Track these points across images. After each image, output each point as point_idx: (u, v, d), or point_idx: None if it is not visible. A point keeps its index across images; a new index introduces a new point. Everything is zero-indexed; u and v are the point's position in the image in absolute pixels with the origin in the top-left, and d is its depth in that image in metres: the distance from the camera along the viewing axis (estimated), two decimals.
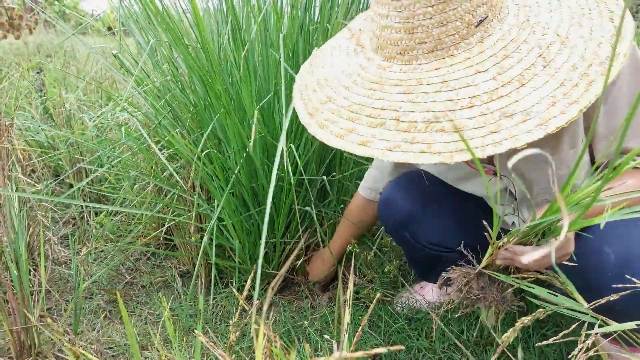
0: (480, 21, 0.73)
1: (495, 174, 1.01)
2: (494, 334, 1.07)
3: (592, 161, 0.94)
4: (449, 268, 0.94)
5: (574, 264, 0.83)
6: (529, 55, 0.71)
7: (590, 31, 0.73)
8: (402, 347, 0.39)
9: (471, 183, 1.10)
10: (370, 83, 0.77)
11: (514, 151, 0.90)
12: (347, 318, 0.53)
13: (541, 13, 0.76)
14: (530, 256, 0.75)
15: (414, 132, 0.69)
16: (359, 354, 0.39)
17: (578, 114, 0.64)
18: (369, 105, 0.75)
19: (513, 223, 1.09)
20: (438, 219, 1.15)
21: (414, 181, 1.17)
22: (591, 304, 0.77)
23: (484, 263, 0.86)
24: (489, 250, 0.84)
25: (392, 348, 0.41)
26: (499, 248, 0.83)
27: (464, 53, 0.73)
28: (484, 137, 0.65)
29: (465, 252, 0.91)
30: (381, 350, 0.38)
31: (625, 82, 0.83)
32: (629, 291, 0.78)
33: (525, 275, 0.87)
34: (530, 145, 0.84)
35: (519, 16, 0.76)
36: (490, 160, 1.01)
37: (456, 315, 1.11)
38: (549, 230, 0.79)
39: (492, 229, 0.83)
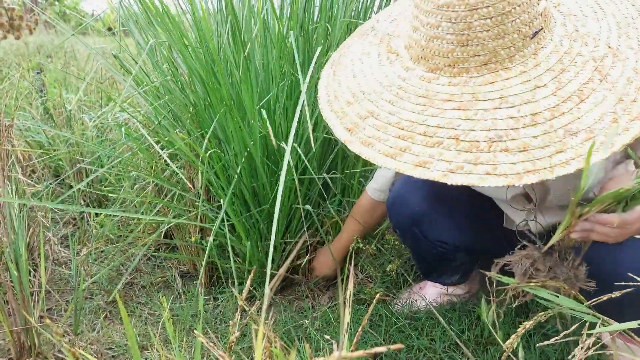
0: (536, 33, 0.71)
1: (534, 205, 0.99)
2: (494, 333, 1.07)
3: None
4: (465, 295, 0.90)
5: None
6: (585, 68, 0.69)
7: (638, 42, 0.71)
8: (402, 346, 0.39)
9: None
10: (417, 97, 0.74)
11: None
12: (347, 318, 0.53)
13: (588, 23, 0.74)
14: (617, 220, 0.72)
15: (477, 152, 0.66)
16: (359, 353, 0.39)
17: None
18: (422, 122, 0.71)
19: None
20: (449, 217, 1.14)
21: (424, 179, 1.17)
22: (591, 301, 0.76)
23: (556, 237, 0.80)
24: (565, 221, 0.78)
25: (392, 347, 0.40)
26: (579, 217, 0.77)
27: (518, 66, 0.71)
28: (550, 157, 0.63)
29: (529, 233, 0.86)
30: (381, 349, 0.38)
31: None
32: None
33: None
34: None
35: (566, 26, 0.74)
36: None
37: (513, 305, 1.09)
38: (634, 198, 0.74)
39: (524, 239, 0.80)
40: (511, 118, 0.67)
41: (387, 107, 0.75)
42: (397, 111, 0.74)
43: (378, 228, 1.60)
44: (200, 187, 1.27)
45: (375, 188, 1.27)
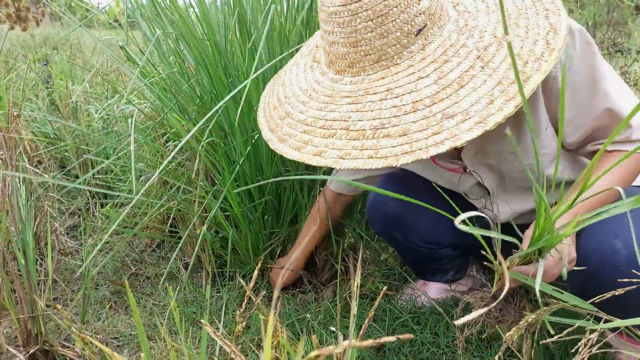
0: (420, 30, 0.76)
1: (465, 170, 1.04)
2: (498, 329, 1.07)
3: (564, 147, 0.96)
4: (465, 295, 0.94)
5: (582, 268, 0.84)
6: (468, 58, 0.74)
7: (526, 30, 0.75)
8: (411, 336, 0.39)
9: (444, 178, 1.11)
10: (324, 97, 0.82)
11: (481, 147, 0.92)
12: (354, 310, 0.53)
13: (479, 17, 0.79)
14: (533, 270, 0.78)
15: (363, 140, 0.72)
16: (368, 342, 0.39)
17: (514, 109, 0.67)
18: (322, 117, 0.79)
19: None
20: (427, 216, 1.14)
21: (399, 181, 1.18)
22: (595, 298, 0.77)
23: (495, 289, 0.87)
24: (495, 277, 0.86)
25: (401, 337, 0.41)
26: (508, 268, 0.84)
27: (407, 61, 0.77)
28: (427, 139, 0.68)
29: (478, 275, 0.93)
30: (390, 338, 0.38)
31: (582, 66, 0.84)
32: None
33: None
34: (492, 138, 0.88)
35: (458, 21, 0.80)
36: (459, 156, 1.03)
37: (482, 336, 1.12)
38: (543, 248, 0.81)
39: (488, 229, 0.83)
40: (394, 107, 0.73)
41: (300, 107, 0.84)
42: (306, 110, 0.83)
43: None
44: (198, 169, 1.27)
45: (335, 180, 1.28)
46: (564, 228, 0.75)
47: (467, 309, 1.28)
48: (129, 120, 1.58)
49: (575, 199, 0.72)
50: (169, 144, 1.47)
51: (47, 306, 1.09)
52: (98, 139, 1.78)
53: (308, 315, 1.27)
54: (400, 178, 1.18)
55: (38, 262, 1.37)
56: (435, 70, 0.74)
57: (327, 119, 0.78)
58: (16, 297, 1.04)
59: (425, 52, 0.77)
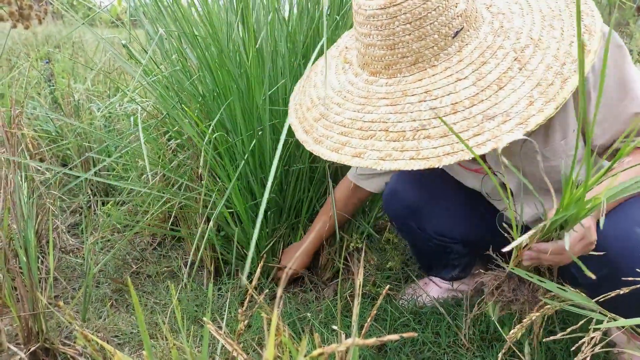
0: (457, 32, 0.77)
1: (491, 171, 1.03)
2: (500, 329, 1.07)
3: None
4: (478, 272, 0.94)
5: (601, 253, 0.82)
6: (505, 59, 0.75)
7: (561, 32, 0.76)
8: (414, 334, 0.39)
9: (469, 179, 1.11)
10: (359, 98, 0.82)
11: (506, 148, 0.92)
12: (356, 309, 0.53)
13: (514, 19, 0.80)
14: (551, 248, 0.77)
15: (403, 141, 0.73)
16: (372, 341, 0.39)
17: (554, 111, 0.67)
18: (359, 119, 0.80)
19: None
20: (445, 208, 1.16)
21: (419, 173, 1.18)
22: (598, 297, 0.76)
23: (511, 264, 0.86)
24: (514, 253, 0.85)
25: (404, 335, 0.41)
26: (523, 249, 0.83)
27: (444, 63, 0.78)
28: (468, 140, 0.69)
29: (493, 255, 0.91)
30: (393, 337, 0.38)
31: (612, 68, 0.83)
32: None
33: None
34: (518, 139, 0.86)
35: (493, 23, 0.80)
36: (483, 157, 1.02)
37: (492, 318, 1.11)
38: (566, 223, 0.79)
39: (510, 229, 0.82)
40: (433, 109, 0.74)
41: (335, 109, 0.85)
42: (342, 112, 0.83)
43: (381, 225, 1.60)
44: (205, 173, 1.27)
45: (354, 172, 1.29)
46: (593, 200, 0.73)
47: (480, 291, 1.29)
48: (132, 118, 1.58)
49: (607, 169, 0.71)
50: (170, 142, 1.47)
51: (50, 303, 1.09)
52: (100, 135, 1.78)
53: (309, 314, 1.26)
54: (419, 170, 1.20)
55: (39, 260, 1.37)
56: (473, 72, 0.75)
57: (365, 120, 0.79)
58: (17, 294, 1.04)
59: (462, 54, 0.78)
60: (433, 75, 0.77)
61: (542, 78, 0.71)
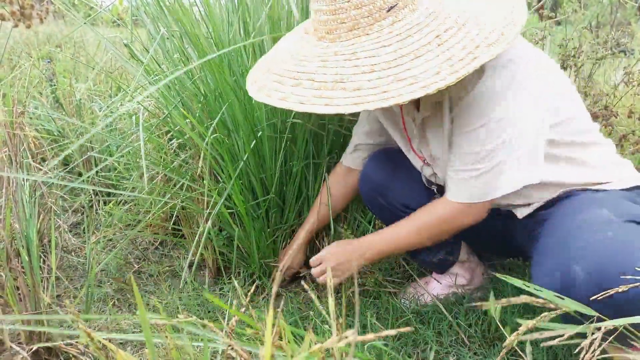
0: (391, 7, 0.86)
1: (424, 162, 1.19)
2: (502, 328, 1.07)
3: None
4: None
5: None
6: (428, 36, 0.83)
7: (486, 21, 0.84)
8: (411, 329, 0.39)
9: (416, 161, 1.23)
10: (301, 56, 0.92)
11: (423, 134, 1.10)
12: (357, 307, 0.53)
13: (450, 5, 0.88)
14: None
15: (323, 90, 0.83)
16: (370, 336, 0.39)
17: (456, 80, 0.76)
18: (293, 70, 0.90)
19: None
20: (406, 184, 1.27)
21: (384, 156, 1.30)
22: (598, 295, 0.76)
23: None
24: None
25: (402, 330, 0.41)
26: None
27: (376, 33, 0.86)
28: (375, 95, 0.79)
29: (471, 258, 0.96)
30: (391, 332, 0.38)
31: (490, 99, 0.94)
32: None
33: None
34: (429, 126, 1.07)
35: (429, 7, 0.88)
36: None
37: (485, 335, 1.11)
38: None
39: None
40: (355, 67, 0.83)
41: (280, 65, 0.95)
42: (282, 66, 0.94)
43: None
44: (207, 172, 1.27)
45: (346, 153, 1.38)
46: None
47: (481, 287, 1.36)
48: (133, 117, 1.58)
49: None
50: (172, 141, 1.47)
51: (52, 303, 1.09)
52: (102, 135, 1.78)
53: (311, 312, 1.27)
54: (389, 154, 1.30)
55: (41, 259, 1.37)
56: (397, 42, 0.84)
57: (297, 71, 0.89)
58: (19, 293, 1.04)
59: (393, 27, 0.86)
60: (365, 41, 0.86)
61: (455, 54, 0.79)
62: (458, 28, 0.83)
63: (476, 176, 1.00)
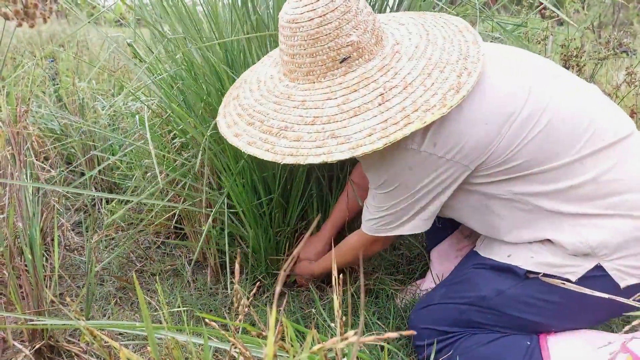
0: (344, 59, 0.88)
1: None
2: None
3: None
4: None
5: None
6: (373, 92, 0.85)
7: (433, 82, 0.84)
8: (414, 332, 0.39)
9: None
10: (265, 91, 0.96)
11: (364, 174, 1.12)
12: (362, 310, 0.54)
13: (402, 59, 0.89)
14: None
15: (269, 135, 0.87)
16: (371, 338, 0.40)
17: (383, 146, 0.79)
18: (252, 107, 0.95)
19: None
20: None
21: None
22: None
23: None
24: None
25: (404, 333, 0.41)
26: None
27: (328, 82, 0.89)
28: (310, 149, 0.82)
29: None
30: (393, 335, 0.38)
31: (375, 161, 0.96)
32: None
33: None
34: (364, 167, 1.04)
35: (385, 59, 0.90)
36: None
37: None
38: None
39: None
40: (300, 116, 0.87)
41: (247, 94, 1.00)
42: (248, 97, 0.98)
43: None
44: (207, 171, 1.28)
45: None
46: None
47: None
48: (136, 116, 1.58)
49: None
50: (175, 141, 1.48)
51: (54, 301, 1.10)
52: (105, 133, 1.79)
53: (313, 310, 1.27)
54: None
55: (44, 258, 1.37)
56: (343, 95, 0.86)
57: (255, 109, 0.94)
58: (22, 292, 1.05)
59: (345, 78, 0.88)
60: (316, 89, 0.89)
61: (392, 117, 0.81)
62: (404, 87, 0.84)
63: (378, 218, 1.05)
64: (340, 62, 0.88)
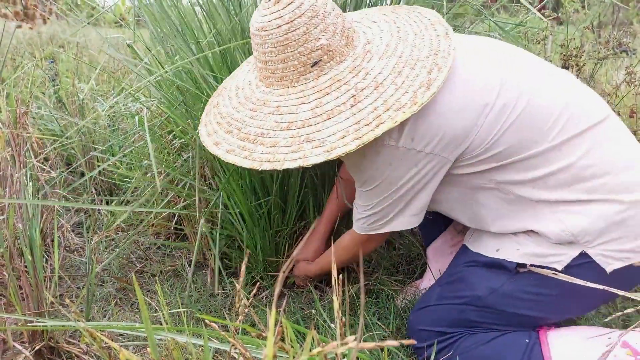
0: (315, 63, 0.88)
1: None
2: None
3: None
4: None
5: None
6: (345, 94, 0.85)
7: (404, 80, 0.85)
8: (414, 342, 0.39)
9: None
10: (243, 98, 0.97)
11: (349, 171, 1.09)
12: (361, 314, 0.54)
13: (372, 59, 0.89)
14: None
15: (246, 142, 0.88)
16: (371, 345, 0.39)
17: (356, 147, 0.79)
18: (230, 115, 0.96)
19: None
20: None
21: None
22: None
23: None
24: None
25: (405, 342, 0.41)
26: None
27: (302, 86, 0.90)
28: (286, 154, 0.83)
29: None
30: (393, 343, 0.38)
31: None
32: None
33: None
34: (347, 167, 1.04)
35: (356, 60, 0.90)
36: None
37: None
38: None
39: None
40: (275, 122, 0.88)
41: (226, 101, 1.01)
42: (227, 105, 0.99)
43: None
44: (207, 171, 1.28)
45: None
46: None
47: None
48: (136, 117, 1.58)
49: None
50: (175, 141, 1.48)
51: (54, 302, 1.10)
52: (104, 134, 1.79)
53: (313, 310, 1.27)
54: None
55: (44, 259, 1.37)
56: (316, 99, 0.87)
57: (232, 117, 0.95)
58: (22, 293, 1.05)
59: (317, 81, 0.89)
60: (290, 94, 0.90)
61: (364, 118, 0.82)
62: (375, 87, 0.85)
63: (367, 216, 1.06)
64: (312, 66, 0.89)
